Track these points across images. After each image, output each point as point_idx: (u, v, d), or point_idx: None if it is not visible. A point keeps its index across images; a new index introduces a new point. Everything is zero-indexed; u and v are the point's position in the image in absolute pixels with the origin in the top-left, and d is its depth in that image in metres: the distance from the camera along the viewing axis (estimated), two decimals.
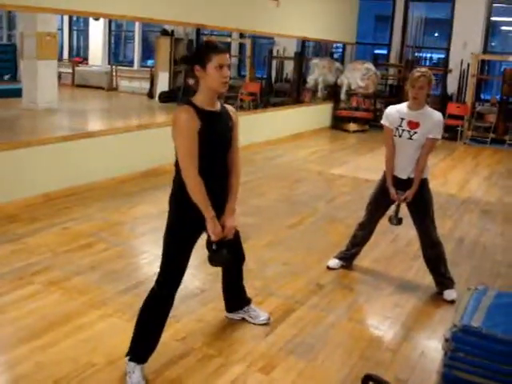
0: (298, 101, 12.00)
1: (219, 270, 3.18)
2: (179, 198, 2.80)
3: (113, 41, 16.47)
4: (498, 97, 11.52)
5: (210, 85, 2.72)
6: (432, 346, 3.39)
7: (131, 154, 6.80)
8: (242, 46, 13.82)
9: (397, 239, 5.09)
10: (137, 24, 15.08)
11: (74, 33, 17.34)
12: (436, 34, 15.00)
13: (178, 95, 13.05)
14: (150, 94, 13.72)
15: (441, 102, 11.61)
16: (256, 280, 4.00)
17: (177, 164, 2.77)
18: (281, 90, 12.88)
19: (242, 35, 12.97)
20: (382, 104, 12.55)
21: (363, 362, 3.13)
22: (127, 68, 15.52)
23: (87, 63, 16.06)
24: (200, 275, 3.99)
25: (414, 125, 3.88)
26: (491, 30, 12.36)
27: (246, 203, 5.72)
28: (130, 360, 2.81)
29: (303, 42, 12.57)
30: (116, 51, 16.86)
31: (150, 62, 15.46)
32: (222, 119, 2.84)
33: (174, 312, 2.90)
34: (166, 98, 13.04)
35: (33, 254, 4.31)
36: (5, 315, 3.38)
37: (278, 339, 3.31)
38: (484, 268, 4.66)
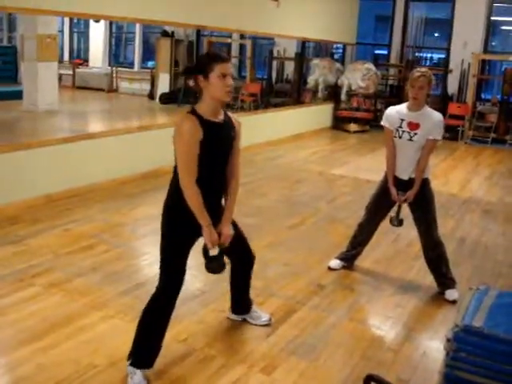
0: (298, 101, 12.01)
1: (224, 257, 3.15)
2: (175, 202, 2.79)
3: (113, 42, 16.48)
4: (498, 96, 11.51)
5: (213, 94, 2.73)
6: (434, 346, 3.38)
7: (132, 155, 6.81)
8: (242, 47, 13.82)
9: (398, 239, 5.08)
10: (137, 25, 15.08)
11: (75, 35, 17.34)
12: (436, 34, 15.00)
13: (178, 96, 13.04)
14: (151, 96, 13.72)
15: (441, 101, 11.61)
16: (257, 281, 3.98)
17: (175, 168, 2.77)
18: (281, 90, 12.89)
19: (242, 36, 12.97)
20: (383, 104, 12.55)
21: (365, 362, 3.13)
22: (128, 69, 15.51)
23: (88, 65, 16.06)
24: (201, 276, 3.98)
25: (414, 126, 3.87)
26: (492, 29, 12.35)
27: (246, 204, 5.72)
28: (130, 365, 2.80)
29: (303, 43, 12.57)
30: (116, 53, 16.86)
31: (150, 64, 15.46)
32: (224, 130, 2.84)
33: (175, 313, 2.90)
34: (166, 99, 13.04)
35: (34, 255, 4.31)
36: (6, 317, 3.37)
37: (280, 340, 3.31)
38: (485, 268, 4.66)
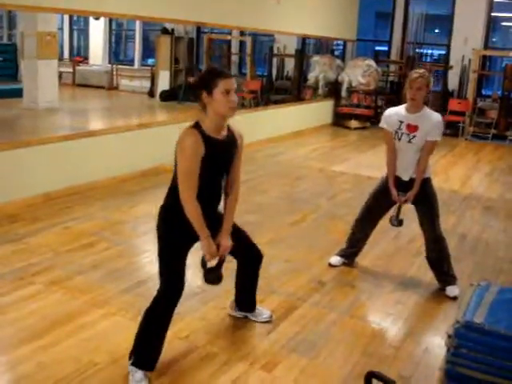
0: (298, 98, 12.00)
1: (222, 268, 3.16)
2: (173, 208, 2.82)
3: (113, 40, 16.47)
4: (499, 92, 11.49)
5: (217, 110, 2.73)
6: (435, 343, 3.38)
7: (132, 153, 6.80)
8: (242, 44, 13.80)
9: (399, 236, 5.07)
10: (137, 23, 15.07)
11: (75, 32, 17.34)
12: (437, 31, 14.97)
13: (178, 94, 13.03)
14: (151, 93, 13.70)
15: (442, 98, 11.60)
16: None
17: (175, 175, 2.78)
18: (281, 87, 12.88)
19: (242, 33, 12.95)
20: (383, 101, 12.55)
21: (366, 358, 3.13)
22: (128, 67, 15.51)
23: (88, 62, 16.05)
24: (201, 274, 3.96)
25: (412, 128, 3.87)
26: (492, 25, 12.32)
27: (247, 201, 5.71)
28: (132, 364, 2.79)
29: (304, 40, 12.54)
30: (116, 50, 16.86)
31: (150, 61, 15.44)
32: (226, 147, 2.86)
33: (176, 310, 2.89)
34: (166, 96, 13.03)
35: (34, 253, 4.31)
36: (6, 316, 3.37)
37: (281, 337, 3.31)
38: (486, 264, 4.65)
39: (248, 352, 3.13)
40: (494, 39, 13.24)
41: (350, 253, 4.40)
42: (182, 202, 2.73)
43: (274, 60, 13.28)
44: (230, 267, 3.22)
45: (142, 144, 6.93)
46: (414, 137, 3.86)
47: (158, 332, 2.83)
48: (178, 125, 7.47)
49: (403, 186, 4.00)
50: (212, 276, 2.94)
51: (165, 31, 13.57)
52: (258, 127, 9.20)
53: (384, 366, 3.03)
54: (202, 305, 3.63)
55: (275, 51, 13.08)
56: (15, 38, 14.92)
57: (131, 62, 15.78)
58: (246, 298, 3.43)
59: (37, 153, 5.64)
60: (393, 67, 12.99)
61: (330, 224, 5.44)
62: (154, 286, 3.02)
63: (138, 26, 15.35)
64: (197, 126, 2.76)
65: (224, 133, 2.84)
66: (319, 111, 11.71)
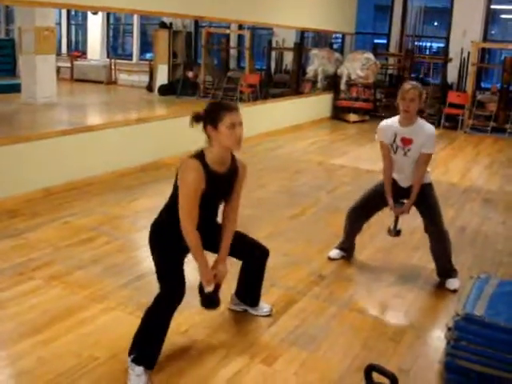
0: (297, 92, 11.98)
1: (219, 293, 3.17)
2: (167, 226, 2.90)
3: (111, 34, 16.43)
4: (498, 85, 11.46)
5: (223, 143, 2.76)
6: (435, 336, 3.38)
7: (131, 147, 6.79)
8: (240, 38, 13.77)
9: None
10: (135, 17, 15.02)
11: (73, 27, 17.29)
12: (436, 23, 14.93)
13: (177, 88, 13.02)
14: (149, 87, 13.69)
15: (441, 90, 11.58)
16: None
17: (173, 197, 2.86)
18: (280, 81, 12.86)
19: (240, 26, 12.92)
20: (382, 94, 12.53)
21: (365, 352, 3.13)
22: (126, 61, 15.47)
23: (86, 57, 16.01)
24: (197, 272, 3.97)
25: (407, 141, 3.87)
26: (491, 18, 12.29)
27: (246, 195, 5.66)
28: (132, 361, 2.77)
29: (302, 33, 12.52)
30: (114, 45, 16.81)
31: (148, 55, 15.41)
32: (227, 180, 2.91)
33: None
34: (165, 90, 13.02)
35: (34, 248, 4.31)
36: (6, 311, 3.37)
37: (280, 330, 3.31)
38: (486, 257, 4.65)
39: (248, 346, 3.13)
40: (492, 32, 13.20)
41: (347, 247, 4.40)
42: (183, 231, 2.77)
43: (273, 54, 13.24)
44: (231, 261, 3.22)
45: (140, 138, 6.92)
46: (409, 150, 3.88)
47: (159, 331, 2.82)
48: (177, 119, 7.52)
49: (402, 192, 4.04)
50: (209, 301, 3.01)
51: (163, 25, 13.55)
52: (256, 121, 9.17)
53: (384, 359, 3.03)
54: None
55: (274, 45, 13.05)
56: (13, 33, 14.89)
57: (129, 57, 15.74)
58: (250, 293, 3.44)
59: (35, 148, 5.63)
60: (392, 60, 12.95)
61: (329, 217, 5.44)
62: (153, 280, 3.02)
63: (135, 20, 15.31)
64: (201, 156, 2.78)
65: (227, 165, 2.87)
66: (318, 105, 11.69)
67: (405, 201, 4.04)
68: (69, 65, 15.34)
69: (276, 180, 6.76)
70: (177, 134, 7.32)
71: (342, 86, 11.66)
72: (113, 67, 15.18)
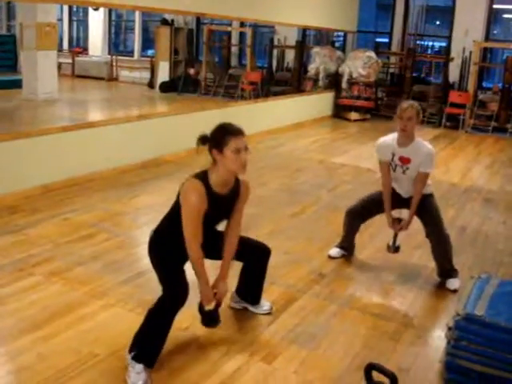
0: (299, 90, 11.96)
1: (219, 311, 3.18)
2: (166, 236, 2.95)
3: (113, 31, 16.41)
4: (500, 85, 11.45)
5: (227, 168, 2.78)
6: (435, 335, 3.38)
7: (132, 144, 6.78)
8: (242, 35, 13.75)
9: None
10: (137, 13, 15.02)
11: (74, 23, 17.28)
12: (438, 22, 14.93)
13: (178, 85, 13.01)
14: (151, 84, 13.67)
15: (443, 90, 11.56)
16: None
17: (173, 211, 2.89)
18: (282, 79, 12.84)
19: (242, 24, 12.90)
20: (384, 93, 12.52)
21: (366, 350, 3.13)
22: (127, 58, 15.46)
23: (87, 53, 16.00)
24: None
25: (405, 160, 3.89)
26: (493, 17, 12.27)
27: None
28: (132, 358, 2.76)
29: (304, 31, 12.52)
30: (116, 41, 16.80)
31: (150, 52, 15.40)
32: (229, 201, 2.93)
33: None
34: (166, 87, 13.00)
35: (34, 245, 4.30)
36: (6, 307, 3.37)
37: (280, 328, 3.31)
38: (486, 257, 4.65)
39: (248, 343, 3.13)
40: (495, 31, 13.20)
41: (348, 244, 4.40)
42: (188, 250, 2.81)
43: (275, 51, 13.22)
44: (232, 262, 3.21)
45: (141, 135, 6.91)
46: (408, 168, 3.90)
47: (161, 331, 2.82)
48: (178, 116, 7.51)
49: (403, 201, 4.07)
50: (210, 319, 3.04)
51: (164, 22, 13.53)
52: (258, 119, 9.17)
53: (384, 357, 3.02)
54: None
55: (275, 42, 13.04)
56: (14, 28, 14.86)
57: (131, 53, 15.73)
58: (251, 291, 3.43)
59: (36, 144, 5.62)
60: (393, 59, 12.94)
61: (330, 216, 5.43)
62: (153, 277, 3.02)
63: (137, 16, 15.31)
64: (204, 177, 2.79)
65: (230, 187, 2.89)
66: (319, 103, 11.68)
67: (404, 213, 4.06)
68: (70, 61, 15.32)
69: (277, 178, 6.76)
70: (178, 131, 7.33)
71: (344, 85, 11.64)
72: (114, 64, 15.16)
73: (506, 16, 14.41)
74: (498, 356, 2.66)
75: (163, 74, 13.33)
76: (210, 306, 3.01)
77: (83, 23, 16.83)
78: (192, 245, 2.79)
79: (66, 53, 15.84)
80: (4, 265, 3.92)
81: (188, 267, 2.95)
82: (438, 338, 3.27)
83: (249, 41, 12.16)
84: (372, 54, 11.66)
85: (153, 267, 2.99)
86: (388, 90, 12.52)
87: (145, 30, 15.76)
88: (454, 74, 11.82)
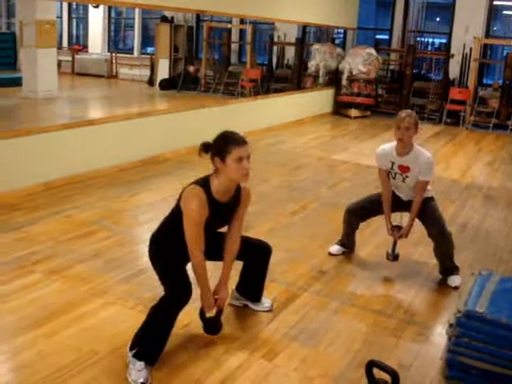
0: (299, 87, 11.95)
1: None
2: (165, 240, 2.96)
3: (112, 28, 16.39)
4: (500, 81, 11.43)
5: (229, 176, 2.78)
6: (436, 332, 3.38)
7: (132, 141, 6.77)
8: (242, 32, 13.73)
9: None
10: (136, 11, 15.00)
11: (74, 20, 17.25)
12: (438, 19, 14.89)
13: (178, 82, 13.00)
14: (151, 82, 13.66)
15: (443, 87, 11.55)
16: None
17: (172, 216, 2.91)
18: (282, 76, 12.83)
19: (242, 21, 12.89)
20: (384, 90, 12.50)
21: (366, 347, 3.13)
22: (127, 55, 15.44)
23: (87, 51, 15.99)
24: None
25: (405, 169, 3.91)
26: (493, 14, 12.25)
27: None
28: (133, 356, 2.76)
29: (304, 28, 12.49)
30: (116, 39, 16.78)
31: (150, 50, 15.38)
32: (230, 208, 2.94)
33: None
34: (166, 85, 12.99)
35: (34, 242, 4.30)
36: (6, 304, 3.36)
37: (281, 326, 3.30)
38: (487, 253, 4.65)
39: (249, 341, 3.12)
40: (495, 28, 13.16)
41: (349, 242, 4.40)
42: (191, 257, 2.83)
43: (275, 48, 13.22)
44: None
45: (141, 133, 6.91)
46: (407, 177, 3.92)
47: (164, 330, 2.82)
48: (178, 113, 7.50)
49: (403, 204, 4.08)
50: (211, 326, 3.06)
51: (164, 19, 13.51)
52: (258, 116, 9.17)
53: (385, 354, 3.02)
54: None
55: (275, 39, 13.02)
56: (14, 26, 14.84)
57: (130, 51, 15.72)
58: (253, 289, 3.43)
59: (36, 142, 5.62)
60: (393, 56, 12.92)
61: (330, 213, 5.43)
62: (154, 275, 3.02)
63: (137, 14, 15.29)
64: (206, 184, 2.79)
65: (231, 194, 2.89)
66: (319, 100, 11.66)
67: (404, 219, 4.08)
68: (70, 58, 15.31)
69: (277, 175, 6.75)
70: (178, 129, 7.33)
71: (344, 82, 11.62)
72: (114, 61, 15.15)
73: (506, 12, 14.36)
74: (499, 353, 2.66)
75: (163, 71, 13.32)
76: (211, 313, 3.02)
77: (83, 21, 16.81)
78: (194, 251, 2.79)
79: (66, 50, 15.82)
80: (5, 262, 3.91)
81: (189, 269, 2.95)
82: (439, 335, 3.27)
83: (249, 38, 12.15)
84: (372, 50, 11.65)
85: (154, 269, 2.99)
86: (388, 87, 12.51)
87: (144, 28, 15.75)
88: (454, 71, 11.80)
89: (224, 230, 3.10)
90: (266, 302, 3.49)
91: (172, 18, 13.51)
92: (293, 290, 3.77)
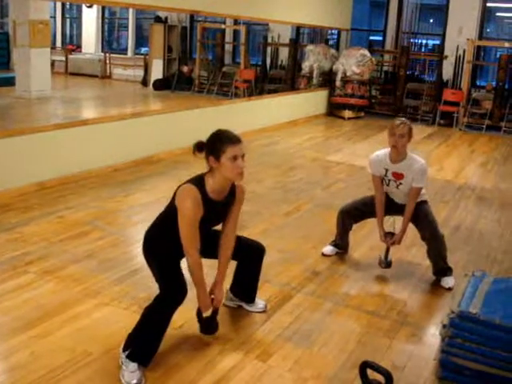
0: (293, 88, 11.96)
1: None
2: (159, 238, 2.95)
3: (106, 28, 16.35)
4: (493, 83, 11.48)
5: (224, 175, 2.77)
6: (429, 333, 3.39)
7: (125, 142, 6.76)
8: (236, 33, 13.73)
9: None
10: (130, 11, 14.97)
11: (67, 20, 17.20)
12: (431, 20, 14.94)
13: (172, 83, 12.98)
14: (144, 82, 13.65)
15: (436, 88, 11.58)
16: None
17: (165, 214, 2.91)
18: (276, 76, 12.84)
19: (236, 22, 12.88)
20: (378, 91, 12.53)
21: (360, 348, 3.13)
22: (121, 56, 15.41)
23: (80, 51, 15.95)
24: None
25: (398, 176, 3.92)
26: (487, 16, 12.29)
27: None
28: (127, 357, 2.74)
29: (298, 29, 12.50)
30: (109, 39, 16.75)
31: (143, 50, 15.36)
32: (225, 207, 2.94)
33: None
34: (160, 85, 12.98)
35: (27, 243, 4.28)
36: None
37: (275, 326, 3.30)
38: (480, 254, 4.66)
39: (243, 342, 3.12)
40: (488, 30, 13.22)
41: (342, 242, 4.41)
42: (186, 255, 2.82)
43: (268, 49, 13.22)
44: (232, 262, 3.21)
45: (135, 133, 6.89)
46: (401, 184, 3.94)
47: (158, 330, 2.81)
48: (172, 114, 7.49)
49: (397, 207, 4.09)
50: (207, 326, 3.05)
51: (158, 20, 13.50)
52: (252, 117, 9.17)
53: (378, 355, 3.03)
54: (195, 295, 3.61)
55: (269, 40, 13.03)
56: (7, 26, 14.78)
57: (124, 51, 15.69)
58: (246, 290, 3.43)
59: (29, 142, 5.60)
60: (387, 57, 12.96)
61: (324, 214, 5.43)
62: (148, 275, 3.01)
63: (130, 14, 15.26)
64: (200, 183, 2.79)
65: (226, 193, 2.88)
66: (313, 101, 11.67)
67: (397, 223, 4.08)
68: (63, 58, 15.27)
69: (271, 176, 6.75)
70: (172, 129, 7.32)
71: (338, 83, 11.63)
72: (108, 61, 15.11)
73: (499, 14, 14.44)
74: (493, 354, 2.67)
75: (157, 71, 13.30)
76: (207, 313, 3.02)
77: (76, 21, 16.76)
78: (190, 250, 2.79)
79: (59, 50, 15.78)
80: None
81: (184, 268, 2.94)
82: (433, 336, 3.28)
83: (243, 38, 12.15)
84: (366, 52, 11.67)
85: (149, 267, 2.98)
86: (382, 88, 12.54)
87: (138, 28, 15.72)
88: (447, 72, 11.84)
89: (219, 228, 3.09)
90: (260, 302, 3.48)
91: (166, 18, 13.49)
92: (287, 290, 3.77)
